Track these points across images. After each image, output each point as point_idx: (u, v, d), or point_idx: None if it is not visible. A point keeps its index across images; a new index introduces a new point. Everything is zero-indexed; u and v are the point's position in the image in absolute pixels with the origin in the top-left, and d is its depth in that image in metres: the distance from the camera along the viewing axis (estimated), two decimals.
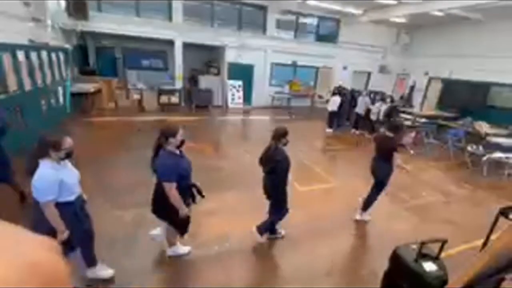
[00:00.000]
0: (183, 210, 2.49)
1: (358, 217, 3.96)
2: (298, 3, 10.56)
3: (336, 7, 10.50)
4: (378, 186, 3.80)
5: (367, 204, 3.90)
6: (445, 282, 2.02)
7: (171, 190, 2.39)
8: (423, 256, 2.17)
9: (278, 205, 3.15)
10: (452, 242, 2.41)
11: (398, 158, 3.60)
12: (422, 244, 2.17)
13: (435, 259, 2.19)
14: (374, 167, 3.83)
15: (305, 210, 4.07)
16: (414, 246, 2.26)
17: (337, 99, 8.78)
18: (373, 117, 8.62)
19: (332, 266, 3.11)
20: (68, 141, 2.11)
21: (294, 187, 4.84)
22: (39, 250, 0.40)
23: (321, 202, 4.45)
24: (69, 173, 2.21)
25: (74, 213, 2.20)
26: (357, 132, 9.03)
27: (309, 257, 3.21)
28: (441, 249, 2.19)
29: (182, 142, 2.45)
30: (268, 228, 3.27)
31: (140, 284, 2.61)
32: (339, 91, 9.24)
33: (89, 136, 6.76)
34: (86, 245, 2.45)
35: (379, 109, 8.50)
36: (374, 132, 8.74)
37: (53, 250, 0.42)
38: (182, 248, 2.99)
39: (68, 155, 2.14)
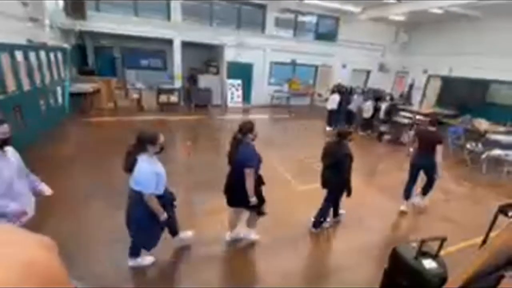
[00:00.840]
0: (252, 196, 2.75)
1: (417, 199, 4.49)
2: (297, 2, 10.54)
3: (335, 5, 10.47)
4: (431, 178, 4.26)
5: (427, 190, 4.40)
6: (444, 279, 2.03)
7: (251, 175, 2.67)
8: (422, 254, 2.18)
9: (332, 196, 3.52)
10: (451, 240, 2.41)
11: (440, 151, 3.93)
12: (422, 242, 2.18)
13: (435, 256, 2.20)
14: (420, 161, 4.18)
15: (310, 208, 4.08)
16: (414, 244, 2.26)
17: (336, 97, 8.77)
18: (365, 115, 8.62)
19: (331, 265, 3.12)
20: (161, 136, 2.36)
21: (294, 186, 4.85)
22: (37, 250, 0.40)
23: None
24: (161, 167, 2.43)
25: (162, 206, 2.42)
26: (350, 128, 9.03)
27: (312, 254, 3.21)
28: (440, 247, 2.19)
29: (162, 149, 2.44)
30: (324, 215, 3.58)
31: (141, 283, 2.61)
32: (338, 89, 9.24)
33: (89, 136, 6.75)
34: (150, 235, 2.61)
35: (369, 107, 8.52)
36: (369, 129, 8.76)
37: (51, 249, 0.43)
38: (253, 234, 3.28)
39: (162, 149, 2.39)
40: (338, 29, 12.87)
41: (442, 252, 2.22)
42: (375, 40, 13.40)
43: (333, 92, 9.20)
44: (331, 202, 3.58)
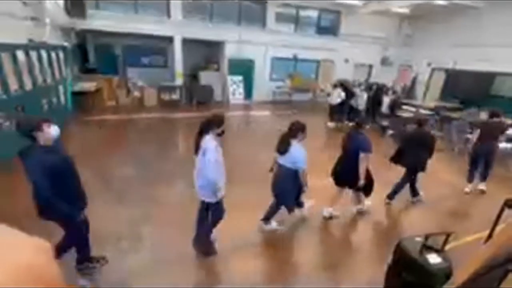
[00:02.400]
0: (363, 179, 3.42)
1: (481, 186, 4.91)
2: None
3: None
4: (491, 162, 4.78)
5: (486, 176, 4.90)
6: (449, 274, 2.01)
7: (366, 159, 3.34)
8: (427, 248, 2.16)
9: (410, 174, 4.18)
10: (457, 234, 2.39)
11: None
12: (427, 236, 2.15)
13: (440, 251, 2.17)
14: (485, 149, 4.65)
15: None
16: (419, 239, 2.24)
17: (341, 93, 8.68)
18: (360, 107, 8.59)
19: (342, 258, 3.12)
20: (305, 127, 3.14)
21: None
22: (33, 253, 0.40)
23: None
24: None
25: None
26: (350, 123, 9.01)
27: (326, 246, 3.21)
28: (445, 241, 2.17)
29: None
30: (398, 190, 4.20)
31: (141, 282, 2.63)
32: (341, 84, 9.15)
33: (91, 135, 6.78)
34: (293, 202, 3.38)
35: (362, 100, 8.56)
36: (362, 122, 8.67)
37: (47, 252, 0.43)
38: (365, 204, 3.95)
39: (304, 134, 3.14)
40: (340, 23, 12.73)
41: (447, 246, 2.20)
42: (378, 34, 13.23)
43: (334, 86, 9.12)
44: (409, 181, 4.20)
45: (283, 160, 3.08)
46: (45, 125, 2.07)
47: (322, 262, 3.11)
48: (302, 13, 12.19)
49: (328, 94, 9.68)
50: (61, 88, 7.28)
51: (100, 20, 9.02)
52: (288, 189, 3.16)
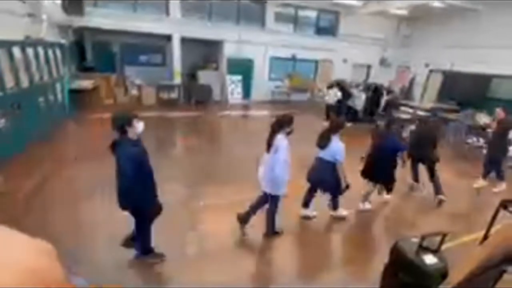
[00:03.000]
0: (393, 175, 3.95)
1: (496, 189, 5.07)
2: None
3: None
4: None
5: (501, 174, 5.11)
6: (445, 274, 2.02)
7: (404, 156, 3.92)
8: (423, 249, 2.17)
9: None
10: (452, 235, 2.41)
11: None
12: (423, 237, 2.17)
13: (436, 251, 2.19)
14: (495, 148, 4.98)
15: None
16: (415, 239, 2.25)
17: (337, 92, 8.72)
18: (353, 105, 8.64)
19: (337, 257, 3.13)
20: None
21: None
22: (38, 256, 0.40)
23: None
24: None
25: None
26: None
27: (317, 249, 3.22)
28: (441, 242, 2.18)
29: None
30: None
31: (140, 281, 2.62)
32: (337, 84, 9.18)
33: (88, 133, 6.74)
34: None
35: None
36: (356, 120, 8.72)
37: (50, 254, 0.43)
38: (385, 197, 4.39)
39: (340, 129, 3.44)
40: (338, 23, 12.76)
41: (443, 247, 2.21)
42: (376, 35, 13.28)
43: (330, 87, 9.13)
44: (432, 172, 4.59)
45: (323, 154, 3.38)
46: (135, 121, 2.32)
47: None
48: (301, 13, 12.20)
49: (323, 94, 9.70)
50: (58, 86, 7.23)
51: (98, 18, 8.96)
52: (328, 179, 3.44)
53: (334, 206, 3.75)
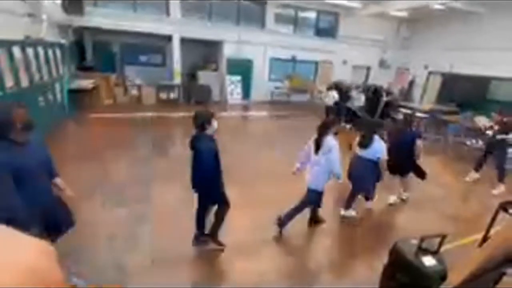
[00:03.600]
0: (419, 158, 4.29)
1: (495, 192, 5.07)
2: None
3: (336, 0, 10.39)
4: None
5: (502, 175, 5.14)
6: (444, 276, 2.03)
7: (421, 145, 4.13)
8: (422, 250, 2.18)
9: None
10: (451, 236, 2.41)
11: None
12: (422, 239, 2.17)
13: (435, 253, 2.19)
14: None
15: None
16: (414, 241, 2.26)
17: (334, 94, 8.75)
18: (352, 106, 8.67)
19: (331, 261, 3.13)
20: None
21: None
22: (38, 256, 0.40)
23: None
24: None
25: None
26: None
27: (309, 252, 3.22)
28: (440, 243, 2.19)
29: None
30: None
31: (139, 281, 2.62)
32: (335, 85, 9.19)
33: (88, 133, 6.73)
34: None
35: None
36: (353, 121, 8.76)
37: (50, 255, 0.43)
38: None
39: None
40: (338, 25, 12.79)
41: (442, 249, 2.22)
42: (376, 36, 13.32)
43: (329, 88, 9.16)
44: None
45: (365, 153, 3.58)
46: (213, 120, 2.66)
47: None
48: (301, 14, 12.23)
49: (324, 96, 9.71)
50: (58, 85, 7.22)
51: (98, 18, 8.96)
52: (367, 177, 3.68)
53: (348, 205, 3.87)
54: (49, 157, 2.16)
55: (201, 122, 2.62)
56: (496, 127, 5.21)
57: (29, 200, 1.77)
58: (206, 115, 2.66)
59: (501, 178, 5.12)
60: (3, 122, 1.70)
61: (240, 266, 2.88)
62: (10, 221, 0.51)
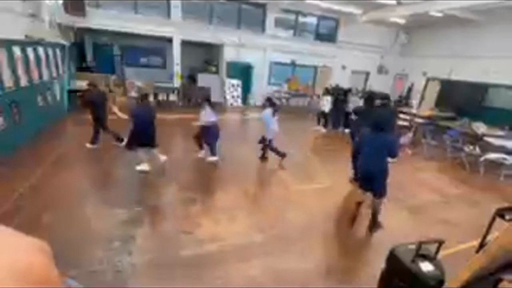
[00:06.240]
0: None
1: None
2: (297, 2, 10.53)
3: (336, 6, 10.49)
4: None
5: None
6: (442, 282, 2.03)
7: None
8: (420, 256, 2.18)
9: None
10: (449, 243, 2.42)
11: None
12: (420, 244, 2.17)
13: (432, 259, 2.19)
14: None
15: (300, 209, 4.07)
16: (411, 246, 2.26)
17: (328, 99, 8.81)
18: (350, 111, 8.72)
19: (329, 266, 3.11)
20: None
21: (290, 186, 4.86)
22: (34, 254, 0.40)
23: (315, 200, 4.45)
24: None
25: None
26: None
27: (305, 256, 3.21)
28: (438, 249, 2.19)
29: None
30: None
31: (137, 282, 2.59)
32: (328, 91, 9.22)
33: (87, 134, 6.70)
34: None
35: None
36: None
37: (46, 253, 0.43)
38: None
39: None
40: (338, 30, 12.90)
41: (439, 255, 2.22)
42: (375, 42, 13.44)
43: (324, 94, 9.16)
44: None
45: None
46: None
47: None
48: (301, 19, 12.33)
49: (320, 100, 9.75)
50: (57, 86, 7.22)
51: (100, 19, 8.99)
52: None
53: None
54: None
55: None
56: None
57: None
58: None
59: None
60: None
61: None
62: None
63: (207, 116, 5.03)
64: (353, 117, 6.43)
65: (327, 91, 9.15)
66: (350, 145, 5.57)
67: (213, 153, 5.38)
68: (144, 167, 4.72)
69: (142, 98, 4.88)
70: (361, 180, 3.65)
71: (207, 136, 5.24)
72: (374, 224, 3.67)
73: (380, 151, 3.41)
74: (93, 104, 5.31)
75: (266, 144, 5.59)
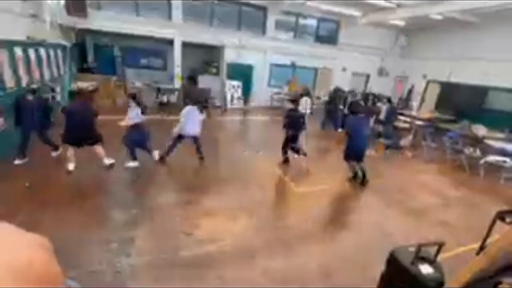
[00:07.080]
0: None
1: None
2: (298, 4, 10.56)
3: (336, 8, 10.52)
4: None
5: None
6: (441, 284, 2.03)
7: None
8: (420, 258, 2.18)
9: None
10: (449, 245, 2.42)
11: None
12: (420, 246, 2.17)
13: (432, 261, 2.19)
14: None
15: (300, 209, 4.07)
16: (411, 249, 2.26)
17: (307, 100, 8.77)
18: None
19: (329, 268, 3.11)
20: None
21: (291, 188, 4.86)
22: (35, 250, 0.39)
23: (315, 200, 4.45)
24: None
25: None
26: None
27: (304, 258, 3.21)
28: (438, 251, 2.19)
29: None
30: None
31: (136, 283, 2.59)
32: (302, 93, 9.12)
33: None
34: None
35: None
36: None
37: (48, 249, 0.42)
38: None
39: None
40: (338, 32, 12.93)
41: (439, 257, 2.22)
42: (375, 44, 13.47)
43: (301, 96, 8.56)
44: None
45: None
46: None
47: None
48: (302, 21, 12.36)
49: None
50: (58, 86, 7.23)
51: (101, 21, 9.02)
52: None
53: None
54: None
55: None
56: None
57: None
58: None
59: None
60: None
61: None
62: None
63: (133, 115, 4.63)
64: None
65: (306, 93, 8.83)
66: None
67: (133, 157, 4.89)
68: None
69: (81, 95, 4.74)
70: (355, 155, 4.94)
71: (131, 137, 4.77)
72: (364, 180, 5.00)
73: (365, 130, 4.95)
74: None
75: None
